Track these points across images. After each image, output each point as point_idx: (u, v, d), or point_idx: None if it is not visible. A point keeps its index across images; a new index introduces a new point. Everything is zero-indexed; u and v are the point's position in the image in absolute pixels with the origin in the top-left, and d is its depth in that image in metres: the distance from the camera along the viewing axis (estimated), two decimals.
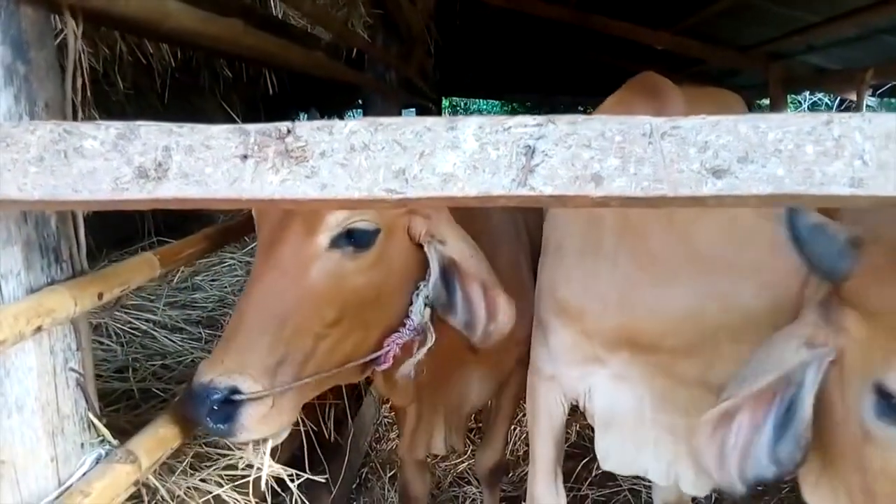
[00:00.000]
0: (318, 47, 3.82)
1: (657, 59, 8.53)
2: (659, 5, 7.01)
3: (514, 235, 2.27)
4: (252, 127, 0.88)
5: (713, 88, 3.55)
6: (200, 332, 2.27)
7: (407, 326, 1.63)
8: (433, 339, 1.64)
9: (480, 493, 3.22)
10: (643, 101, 1.83)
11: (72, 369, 1.21)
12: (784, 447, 1.30)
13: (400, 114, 5.68)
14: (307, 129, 0.86)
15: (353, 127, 0.86)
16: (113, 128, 0.88)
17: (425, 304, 1.63)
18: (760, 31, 6.80)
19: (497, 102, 14.19)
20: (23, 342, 1.10)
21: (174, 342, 2.17)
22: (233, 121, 0.93)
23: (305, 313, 1.45)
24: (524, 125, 0.87)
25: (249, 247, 3.21)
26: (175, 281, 2.78)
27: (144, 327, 2.22)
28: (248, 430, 1.38)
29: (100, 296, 1.20)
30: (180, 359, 2.11)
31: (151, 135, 0.88)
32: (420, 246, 1.65)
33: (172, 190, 0.87)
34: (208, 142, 0.88)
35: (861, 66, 6.08)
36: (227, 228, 1.80)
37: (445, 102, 12.34)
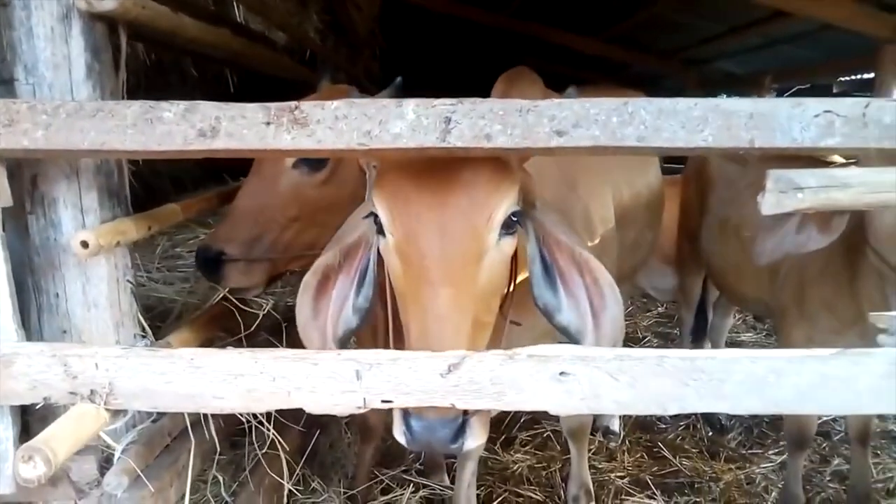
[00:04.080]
0: (276, 49, 4.30)
1: (588, 64, 9.26)
2: (588, 14, 7.69)
3: None
4: (273, 104, 1.39)
5: (626, 90, 4.14)
6: (191, 286, 2.74)
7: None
8: None
9: None
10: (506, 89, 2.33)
11: (128, 280, 1.69)
12: (363, 295, 1.68)
13: None
14: (308, 105, 1.38)
15: (337, 104, 1.39)
16: (182, 105, 1.38)
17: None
18: (677, 40, 7.55)
19: None
20: (98, 257, 1.59)
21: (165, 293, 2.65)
22: None
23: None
24: (444, 104, 1.41)
25: None
26: (158, 251, 3.22)
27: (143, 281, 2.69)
28: (231, 280, 2.13)
29: (149, 228, 1.69)
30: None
31: (208, 109, 1.38)
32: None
33: (222, 144, 1.38)
34: (244, 113, 1.39)
35: (764, 72, 6.92)
36: (228, 191, 2.32)
37: None
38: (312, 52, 4.78)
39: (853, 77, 6.91)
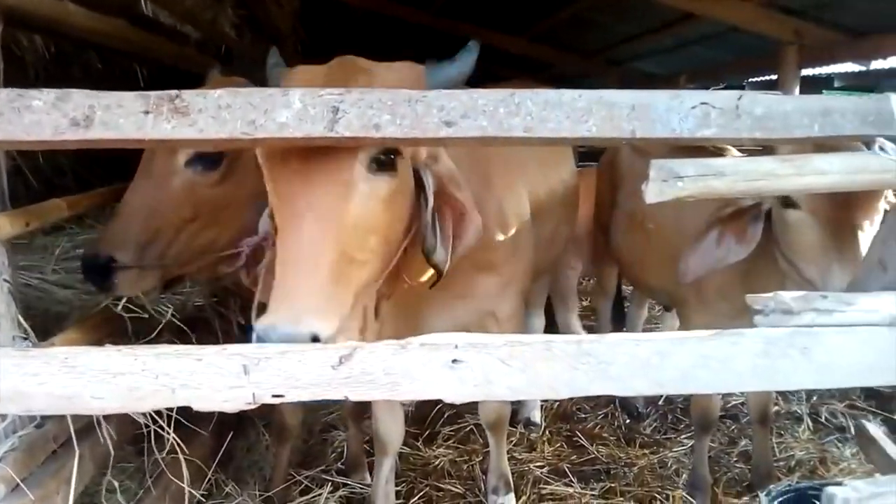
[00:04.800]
0: (188, 43, 4.18)
1: (514, 62, 9.39)
2: (512, 13, 7.80)
3: None
4: (152, 93, 1.34)
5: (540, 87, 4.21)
6: (89, 287, 2.62)
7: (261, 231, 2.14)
8: None
9: (346, 438, 3.70)
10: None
11: (5, 280, 1.60)
12: None
13: None
14: (189, 94, 1.35)
15: (220, 93, 1.35)
16: (53, 93, 1.32)
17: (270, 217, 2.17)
18: (599, 39, 7.73)
19: None
20: None
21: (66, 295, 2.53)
22: None
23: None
24: (331, 93, 1.40)
25: None
26: (58, 252, 3.06)
27: (36, 282, 2.55)
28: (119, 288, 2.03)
29: (27, 224, 1.61)
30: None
31: (80, 97, 1.33)
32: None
33: (97, 134, 1.32)
34: (121, 102, 1.33)
35: (679, 72, 7.19)
36: (118, 189, 2.22)
37: None
38: (228, 47, 4.66)
39: (763, 78, 7.29)
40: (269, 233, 1.89)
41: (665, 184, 1.53)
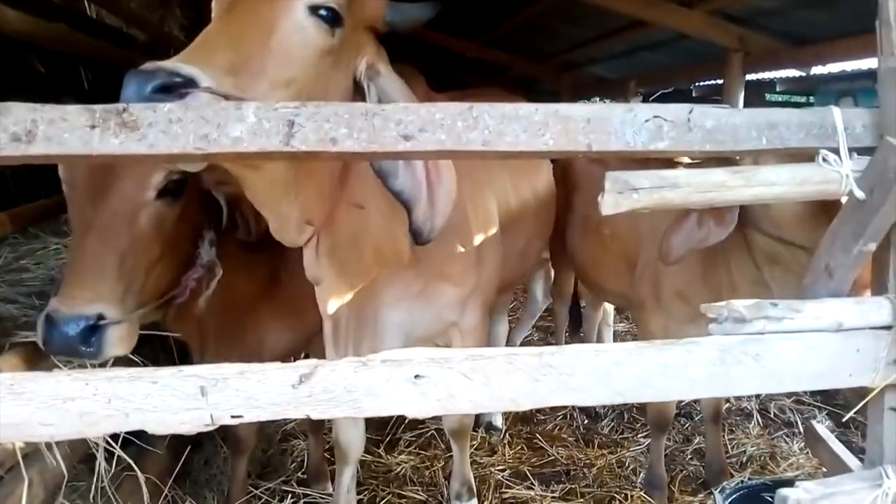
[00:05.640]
0: (135, 46, 4.07)
1: (471, 66, 9.43)
2: (467, 17, 7.82)
3: None
4: (97, 106, 1.30)
5: (512, 96, 4.15)
6: (34, 302, 2.52)
7: (198, 264, 2.08)
8: (221, 271, 2.11)
9: (306, 447, 3.65)
10: None
11: None
12: None
13: None
14: (138, 108, 1.30)
15: (170, 107, 1.32)
16: None
17: (210, 245, 2.08)
18: (552, 44, 7.82)
19: None
20: None
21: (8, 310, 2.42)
22: None
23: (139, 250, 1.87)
24: (287, 107, 1.38)
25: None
26: None
27: None
28: (113, 348, 1.76)
29: None
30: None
31: (22, 111, 1.27)
32: (203, 202, 2.06)
33: (40, 149, 1.27)
34: (65, 116, 1.29)
35: (630, 77, 7.33)
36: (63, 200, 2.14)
37: None
38: (176, 49, 4.56)
39: (710, 83, 7.49)
40: (212, 261, 1.84)
41: (621, 195, 1.55)
